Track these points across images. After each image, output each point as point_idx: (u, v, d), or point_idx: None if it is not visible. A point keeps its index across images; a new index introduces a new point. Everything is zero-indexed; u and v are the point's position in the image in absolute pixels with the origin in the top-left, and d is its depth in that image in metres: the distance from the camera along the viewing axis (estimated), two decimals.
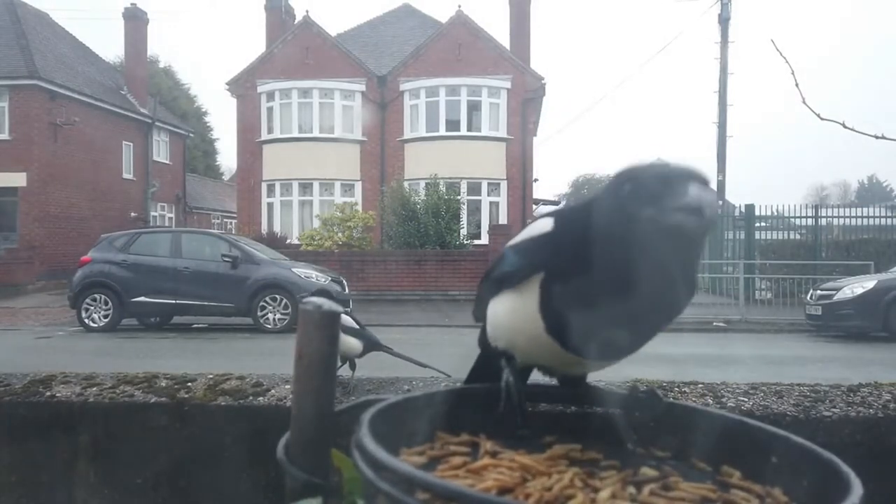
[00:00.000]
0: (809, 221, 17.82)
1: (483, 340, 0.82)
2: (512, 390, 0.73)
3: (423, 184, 19.27)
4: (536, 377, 0.82)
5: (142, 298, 12.06)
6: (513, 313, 0.73)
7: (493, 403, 0.73)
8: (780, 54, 1.51)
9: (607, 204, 0.63)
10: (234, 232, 21.74)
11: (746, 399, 1.66)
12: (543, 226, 0.71)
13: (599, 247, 0.62)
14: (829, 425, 1.57)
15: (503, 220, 20.60)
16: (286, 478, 0.65)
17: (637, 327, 0.66)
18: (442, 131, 21.49)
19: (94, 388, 1.80)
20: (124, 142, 25.75)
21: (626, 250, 0.60)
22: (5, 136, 21.02)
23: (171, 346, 10.61)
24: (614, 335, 0.65)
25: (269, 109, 22.29)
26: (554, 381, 0.81)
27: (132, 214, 25.38)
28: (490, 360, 0.80)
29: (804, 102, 1.51)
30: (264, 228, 21.15)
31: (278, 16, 25.00)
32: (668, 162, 0.63)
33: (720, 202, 19.50)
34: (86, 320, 12.11)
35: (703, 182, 0.61)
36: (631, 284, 0.61)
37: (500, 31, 33.20)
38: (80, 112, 22.58)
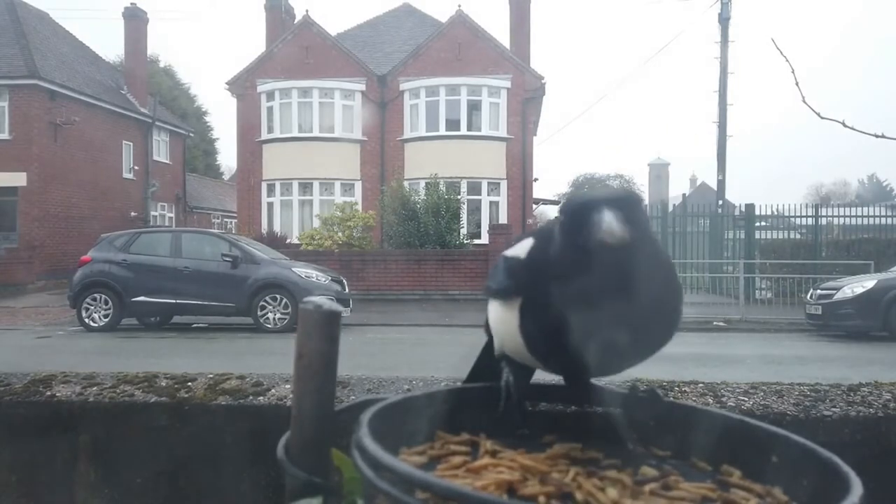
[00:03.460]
0: (809, 221, 17.83)
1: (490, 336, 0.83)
2: (512, 390, 0.73)
3: (423, 183, 19.26)
4: (539, 376, 0.82)
5: (142, 298, 12.06)
6: (503, 324, 0.74)
7: (493, 403, 0.74)
8: (781, 53, 1.51)
9: (553, 235, 0.66)
10: (234, 231, 21.74)
11: (746, 398, 1.66)
12: (525, 247, 0.72)
13: (555, 276, 0.64)
14: (829, 425, 1.57)
15: (503, 219, 20.60)
16: (286, 477, 0.65)
17: (612, 351, 0.65)
18: (442, 131, 21.48)
19: (95, 388, 1.81)
20: (124, 141, 25.75)
21: (573, 277, 0.62)
22: (5, 135, 21.02)
23: (171, 346, 10.61)
24: (590, 359, 0.65)
25: (269, 109, 22.29)
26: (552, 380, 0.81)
27: (132, 214, 25.40)
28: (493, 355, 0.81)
29: (804, 101, 1.51)
30: (264, 228, 21.15)
31: (278, 15, 25.01)
32: (592, 192, 0.65)
33: (720, 202, 19.52)
34: (86, 320, 12.11)
35: (618, 205, 0.61)
36: (589, 309, 0.61)
37: (500, 31, 33.21)
38: (80, 112, 22.58)
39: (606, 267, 0.60)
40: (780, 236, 18.44)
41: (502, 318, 0.74)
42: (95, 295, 12.15)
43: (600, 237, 0.59)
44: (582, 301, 0.62)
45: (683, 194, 22.98)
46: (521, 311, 0.69)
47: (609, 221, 0.60)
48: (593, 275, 0.61)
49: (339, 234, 18.44)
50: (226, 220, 35.96)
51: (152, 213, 27.48)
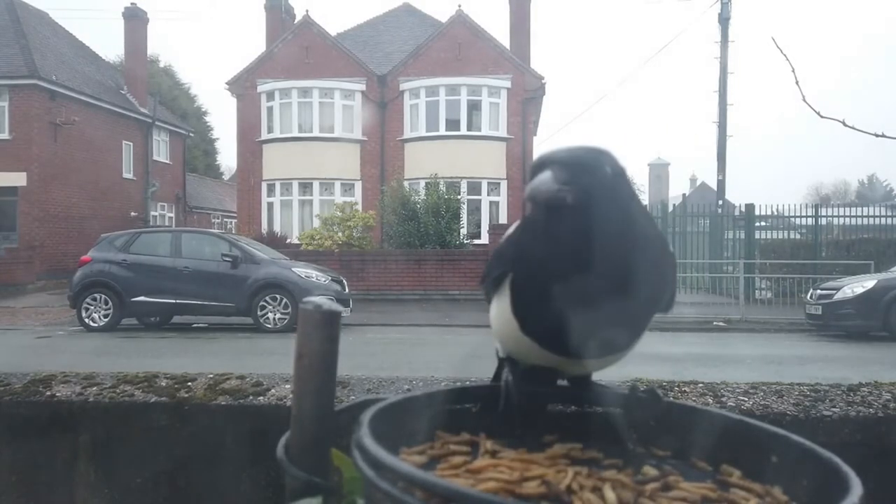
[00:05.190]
0: (809, 221, 17.83)
1: None
2: (511, 390, 0.73)
3: (423, 183, 19.27)
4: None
5: (142, 298, 12.06)
6: (499, 316, 0.74)
7: (493, 403, 0.74)
8: (781, 51, 1.51)
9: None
10: (234, 231, 21.75)
11: (746, 398, 1.67)
12: (513, 227, 0.73)
13: (539, 238, 0.64)
14: (829, 424, 1.57)
15: (503, 219, 20.60)
16: (286, 477, 0.65)
17: (606, 319, 0.63)
18: (442, 131, 21.48)
19: (94, 388, 1.80)
20: (124, 141, 25.75)
21: (547, 238, 0.63)
22: (5, 135, 21.03)
23: (171, 346, 10.60)
24: (587, 329, 0.64)
25: (269, 109, 22.29)
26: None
27: (132, 214, 25.41)
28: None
29: (804, 100, 1.51)
30: (264, 228, 21.15)
31: (278, 15, 25.01)
32: (550, 151, 0.65)
33: (720, 202, 19.51)
34: (86, 320, 12.11)
35: (565, 164, 0.61)
36: (571, 269, 0.61)
37: (500, 31, 33.22)
38: (80, 112, 22.58)
39: (558, 229, 0.61)
40: (780, 236, 18.44)
41: (498, 306, 0.73)
42: (95, 295, 12.15)
43: (528, 195, 0.60)
44: (552, 267, 0.62)
45: (683, 194, 22.99)
46: (511, 288, 0.69)
47: (539, 181, 0.60)
48: (551, 238, 0.62)
49: (339, 234, 18.44)
50: (226, 220, 35.97)
51: (152, 213, 27.48)
